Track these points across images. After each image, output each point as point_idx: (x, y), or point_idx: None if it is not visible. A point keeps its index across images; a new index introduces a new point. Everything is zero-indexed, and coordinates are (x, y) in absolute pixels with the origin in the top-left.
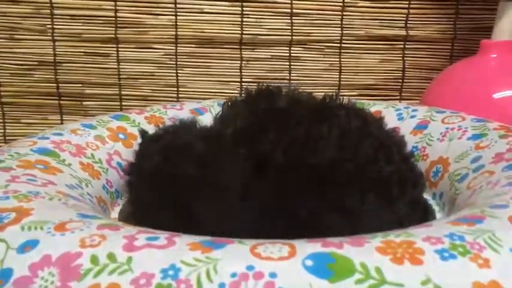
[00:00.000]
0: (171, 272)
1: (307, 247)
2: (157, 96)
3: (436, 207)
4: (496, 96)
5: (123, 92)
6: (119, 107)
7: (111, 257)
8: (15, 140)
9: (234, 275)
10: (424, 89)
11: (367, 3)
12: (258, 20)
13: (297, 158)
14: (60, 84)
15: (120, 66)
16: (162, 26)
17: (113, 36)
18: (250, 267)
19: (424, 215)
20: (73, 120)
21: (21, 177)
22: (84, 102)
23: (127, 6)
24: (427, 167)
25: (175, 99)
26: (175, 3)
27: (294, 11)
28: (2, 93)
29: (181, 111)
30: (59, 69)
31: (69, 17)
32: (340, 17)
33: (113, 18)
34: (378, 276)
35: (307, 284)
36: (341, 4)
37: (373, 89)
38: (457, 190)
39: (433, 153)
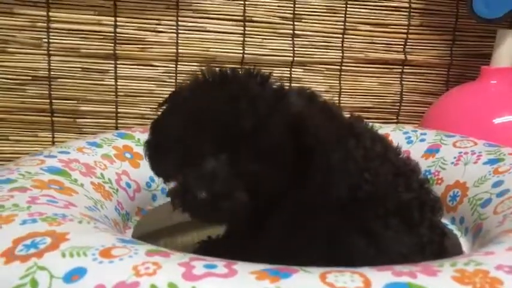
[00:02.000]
0: None
1: (380, 276)
2: (155, 115)
3: (457, 232)
4: (496, 121)
5: (119, 110)
6: (114, 125)
7: (173, 286)
8: (3, 157)
9: None
10: (421, 113)
11: (368, 27)
12: (260, 40)
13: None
14: (53, 100)
15: (118, 83)
16: (163, 43)
17: (112, 52)
18: None
19: (442, 239)
20: (65, 138)
21: (40, 198)
22: (77, 120)
23: (127, 22)
24: (442, 191)
25: None
26: (177, 20)
27: (296, 32)
28: None
29: None
30: (53, 84)
31: (66, 31)
32: (341, 39)
33: (112, 34)
34: None
35: None
36: (342, 27)
37: (372, 111)
38: (482, 215)
39: (448, 177)
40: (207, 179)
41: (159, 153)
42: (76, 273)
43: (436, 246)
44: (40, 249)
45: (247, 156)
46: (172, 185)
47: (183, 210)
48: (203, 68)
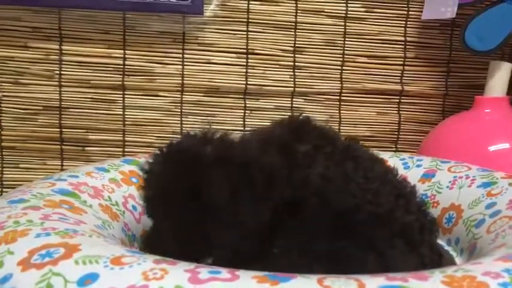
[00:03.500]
0: None
1: (374, 281)
2: (161, 143)
3: (453, 253)
4: (491, 148)
5: (126, 138)
6: (121, 153)
7: None
8: (13, 185)
9: None
10: (418, 141)
11: (365, 59)
12: (262, 71)
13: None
14: (63, 130)
15: (126, 113)
16: (169, 74)
17: (120, 83)
18: None
19: (440, 259)
20: (74, 166)
21: (52, 215)
22: (86, 148)
23: (136, 55)
24: (438, 213)
25: None
26: (183, 53)
27: (297, 64)
28: (2, 137)
29: None
30: (63, 114)
31: (77, 64)
32: (339, 71)
33: (121, 66)
34: None
35: None
36: (341, 59)
37: (371, 140)
38: (476, 235)
39: (444, 200)
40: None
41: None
42: (89, 278)
43: (436, 266)
44: (54, 258)
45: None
46: None
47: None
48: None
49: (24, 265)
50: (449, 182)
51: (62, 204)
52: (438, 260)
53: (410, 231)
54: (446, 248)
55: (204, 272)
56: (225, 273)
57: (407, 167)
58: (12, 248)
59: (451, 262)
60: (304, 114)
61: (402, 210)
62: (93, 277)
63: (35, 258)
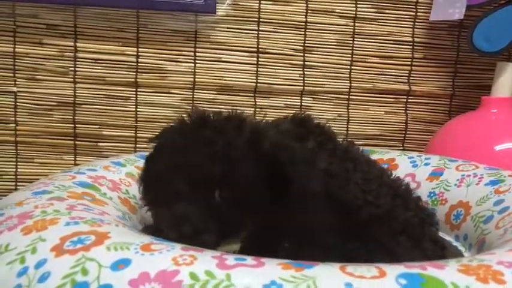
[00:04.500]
0: (273, 287)
1: (395, 268)
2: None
3: (462, 248)
4: (497, 148)
5: (138, 135)
6: (133, 149)
7: (210, 274)
8: (27, 179)
9: None
10: (425, 141)
11: (374, 59)
12: (273, 70)
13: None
14: (77, 125)
15: (138, 109)
16: (181, 72)
17: (133, 80)
18: (348, 284)
19: (443, 251)
20: (87, 161)
21: (77, 206)
22: (99, 143)
23: (149, 52)
24: (446, 210)
25: None
26: (195, 51)
27: (306, 63)
28: (18, 132)
29: None
30: (77, 110)
31: (91, 61)
32: (349, 70)
33: (135, 64)
34: None
35: None
36: (350, 59)
37: (378, 139)
38: (485, 230)
39: (452, 197)
40: (176, 220)
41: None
42: (122, 263)
43: (439, 259)
44: (86, 245)
45: (220, 198)
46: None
47: None
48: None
49: (58, 251)
50: (457, 180)
51: (84, 196)
52: (441, 252)
53: (411, 227)
54: (455, 243)
55: (230, 258)
56: (250, 260)
57: (416, 165)
58: (44, 236)
59: (457, 253)
60: (308, 112)
61: (401, 208)
62: (125, 262)
63: (67, 245)
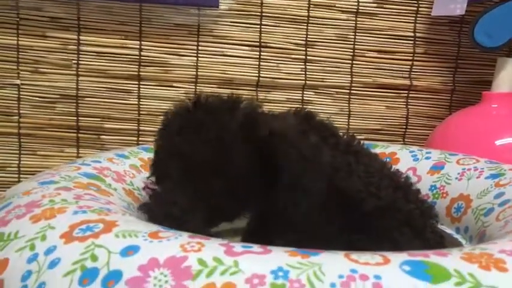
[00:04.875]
0: (280, 273)
1: (398, 256)
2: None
3: (462, 241)
4: (498, 143)
5: (141, 128)
6: (135, 142)
7: (218, 260)
8: (30, 171)
9: (341, 276)
10: (425, 135)
11: (375, 54)
12: (275, 64)
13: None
14: (80, 118)
15: (141, 103)
16: (184, 66)
17: (136, 73)
18: (353, 270)
19: (442, 241)
20: (89, 153)
21: (84, 196)
22: (101, 136)
23: (151, 46)
24: (447, 203)
25: None
26: (197, 45)
27: (308, 57)
28: (21, 124)
29: None
30: (80, 103)
31: (94, 54)
32: (350, 65)
33: (137, 57)
34: (473, 280)
35: (412, 285)
36: (351, 53)
37: (379, 133)
38: (485, 223)
39: (453, 191)
40: (166, 204)
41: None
42: (131, 249)
43: (440, 247)
44: (95, 232)
45: (212, 185)
46: None
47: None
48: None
49: (67, 238)
50: (458, 173)
51: (90, 186)
52: (440, 241)
53: (413, 218)
54: (456, 236)
55: (237, 246)
56: (256, 247)
57: (417, 159)
58: (53, 223)
59: (456, 243)
60: (309, 108)
61: (402, 200)
62: (134, 248)
63: (76, 232)
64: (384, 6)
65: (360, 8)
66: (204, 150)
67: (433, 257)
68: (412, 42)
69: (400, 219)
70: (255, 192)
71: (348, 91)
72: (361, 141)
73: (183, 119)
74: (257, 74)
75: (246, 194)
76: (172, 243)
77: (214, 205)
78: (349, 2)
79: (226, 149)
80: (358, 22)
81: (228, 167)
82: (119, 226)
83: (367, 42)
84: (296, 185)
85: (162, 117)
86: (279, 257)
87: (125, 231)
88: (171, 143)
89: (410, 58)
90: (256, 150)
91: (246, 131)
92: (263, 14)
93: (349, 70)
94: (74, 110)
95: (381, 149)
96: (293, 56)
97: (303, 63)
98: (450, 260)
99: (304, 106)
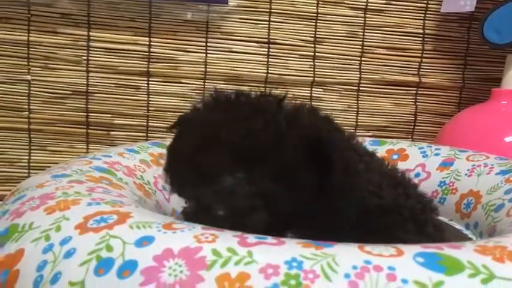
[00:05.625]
0: (294, 264)
1: (412, 248)
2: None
3: (472, 236)
4: (507, 139)
5: (150, 124)
6: (144, 138)
7: (232, 250)
8: (40, 166)
9: (355, 267)
10: (434, 132)
11: (384, 51)
12: (283, 61)
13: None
14: (90, 114)
15: (150, 99)
16: (193, 62)
17: (145, 70)
18: (367, 262)
19: (443, 234)
20: (99, 149)
21: (97, 188)
22: (111, 132)
23: (161, 42)
24: (457, 199)
25: None
26: (206, 42)
27: (317, 54)
28: (31, 120)
29: None
30: (90, 99)
31: (104, 50)
32: (359, 62)
33: (147, 53)
34: (487, 272)
35: (426, 276)
36: (360, 50)
37: (387, 130)
38: (495, 218)
39: (462, 187)
40: (225, 196)
41: (174, 175)
42: (145, 240)
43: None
44: (110, 223)
45: (263, 175)
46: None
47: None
48: (215, 90)
49: (82, 229)
50: (468, 170)
51: (102, 180)
52: (442, 235)
53: (415, 214)
54: (465, 231)
55: (251, 237)
56: (270, 239)
57: (426, 155)
58: (68, 215)
59: (460, 236)
60: (314, 104)
61: (403, 196)
62: (149, 239)
63: (90, 223)
64: (393, 2)
65: (369, 4)
66: (255, 141)
67: (446, 249)
68: (421, 39)
69: (403, 216)
70: (304, 184)
71: (356, 88)
72: (360, 139)
73: (223, 112)
74: (265, 71)
75: (297, 185)
76: (186, 235)
77: (271, 199)
78: None
79: (276, 137)
80: (367, 19)
81: (279, 156)
82: (133, 217)
83: (376, 39)
84: (346, 190)
85: (171, 113)
86: (293, 248)
87: (139, 222)
88: (215, 135)
89: (419, 55)
90: (303, 141)
91: (291, 123)
92: (272, 10)
93: (358, 67)
94: (84, 106)
95: (389, 145)
96: (302, 53)
97: (311, 60)
98: (464, 252)
99: (313, 103)
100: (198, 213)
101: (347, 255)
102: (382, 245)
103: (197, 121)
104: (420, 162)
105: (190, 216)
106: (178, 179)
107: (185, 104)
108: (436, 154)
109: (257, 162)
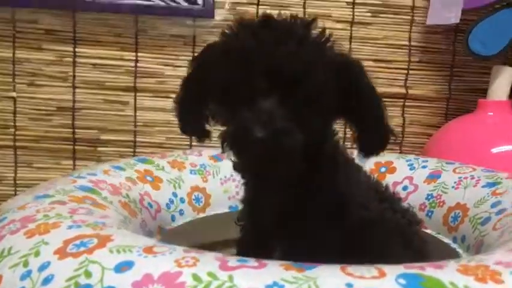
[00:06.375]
0: None
1: (394, 269)
2: (171, 144)
3: (459, 250)
4: (494, 151)
5: (137, 139)
6: (132, 154)
7: (212, 275)
8: (26, 184)
9: None
10: (422, 144)
11: (371, 63)
12: None
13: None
14: (76, 130)
15: (137, 114)
16: (180, 77)
17: (132, 85)
18: (349, 285)
19: (427, 247)
20: (86, 165)
21: (79, 209)
22: (98, 148)
23: (147, 57)
24: (444, 212)
25: (188, 147)
26: (193, 56)
27: None
28: (17, 137)
29: (200, 157)
30: (76, 115)
31: (90, 66)
32: None
33: (133, 68)
34: None
35: None
36: None
37: None
38: (482, 232)
39: (450, 200)
40: (265, 117)
41: (202, 92)
42: (125, 265)
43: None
44: (89, 248)
45: (298, 97)
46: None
47: (238, 152)
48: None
49: (61, 254)
50: (455, 182)
51: (85, 199)
52: (427, 247)
53: (402, 228)
54: (453, 245)
55: (232, 260)
56: (252, 261)
57: (413, 168)
58: (47, 239)
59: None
60: None
61: (390, 211)
62: (129, 264)
63: (70, 248)
64: (379, 16)
65: (355, 18)
66: (290, 63)
67: (428, 270)
68: (407, 51)
69: (389, 230)
70: (334, 110)
71: None
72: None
73: (254, 36)
74: None
75: (328, 111)
76: (167, 259)
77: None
78: (344, 12)
79: (310, 62)
80: (353, 32)
81: (310, 79)
82: (114, 241)
83: (362, 52)
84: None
85: (158, 128)
86: (274, 271)
87: (119, 246)
88: (249, 58)
89: (406, 67)
90: (332, 65)
91: (321, 45)
92: None
93: None
94: (70, 122)
95: (377, 158)
96: None
97: None
98: (446, 272)
99: None
100: (235, 135)
101: (328, 277)
102: (365, 265)
103: (231, 41)
104: (407, 174)
105: (227, 136)
106: (204, 99)
107: (173, 119)
108: (424, 167)
109: (291, 85)
